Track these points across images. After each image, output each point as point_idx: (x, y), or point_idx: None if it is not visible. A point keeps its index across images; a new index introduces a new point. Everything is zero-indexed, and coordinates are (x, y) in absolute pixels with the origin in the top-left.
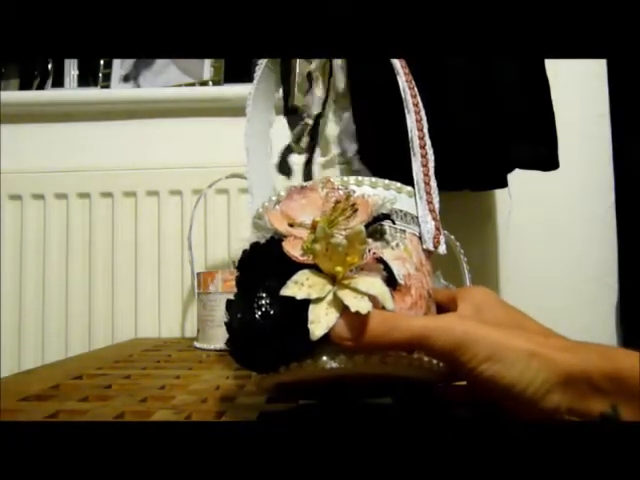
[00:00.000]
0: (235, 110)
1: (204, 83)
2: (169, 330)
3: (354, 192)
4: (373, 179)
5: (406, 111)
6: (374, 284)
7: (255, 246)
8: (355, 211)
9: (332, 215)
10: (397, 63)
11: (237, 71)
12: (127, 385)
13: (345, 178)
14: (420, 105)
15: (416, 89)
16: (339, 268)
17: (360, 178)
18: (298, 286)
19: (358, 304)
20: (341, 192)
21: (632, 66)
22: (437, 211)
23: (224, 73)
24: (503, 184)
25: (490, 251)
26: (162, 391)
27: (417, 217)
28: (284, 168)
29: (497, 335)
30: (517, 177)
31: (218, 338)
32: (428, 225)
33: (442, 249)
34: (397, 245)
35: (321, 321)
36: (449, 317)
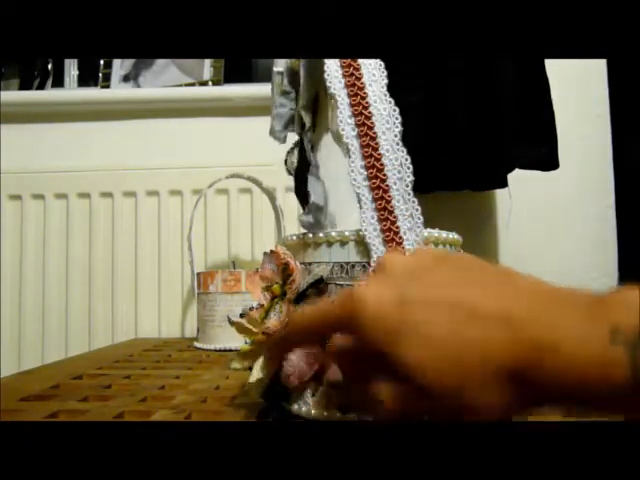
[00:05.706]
0: (235, 110)
1: (204, 83)
2: (169, 330)
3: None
4: (321, 234)
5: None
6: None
7: None
8: (293, 281)
9: (285, 283)
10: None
11: (237, 71)
12: (127, 385)
13: (308, 236)
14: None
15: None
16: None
17: (322, 234)
18: (240, 355)
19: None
20: (285, 261)
21: (632, 66)
22: (411, 231)
23: (224, 73)
24: (503, 184)
25: (490, 251)
26: (162, 391)
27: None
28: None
29: None
30: (517, 177)
31: (218, 338)
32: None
33: None
34: None
35: (251, 380)
36: None
